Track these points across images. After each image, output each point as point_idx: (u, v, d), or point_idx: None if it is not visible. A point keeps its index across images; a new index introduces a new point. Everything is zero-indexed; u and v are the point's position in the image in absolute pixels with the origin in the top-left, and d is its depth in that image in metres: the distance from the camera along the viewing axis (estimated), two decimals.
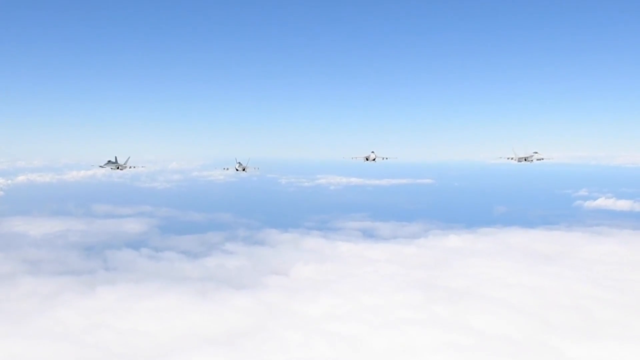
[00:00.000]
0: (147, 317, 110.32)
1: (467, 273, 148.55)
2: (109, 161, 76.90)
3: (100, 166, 77.74)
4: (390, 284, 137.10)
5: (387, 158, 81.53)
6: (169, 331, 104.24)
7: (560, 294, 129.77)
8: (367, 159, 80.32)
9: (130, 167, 78.79)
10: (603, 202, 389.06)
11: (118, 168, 77.30)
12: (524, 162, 79.38)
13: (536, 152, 79.52)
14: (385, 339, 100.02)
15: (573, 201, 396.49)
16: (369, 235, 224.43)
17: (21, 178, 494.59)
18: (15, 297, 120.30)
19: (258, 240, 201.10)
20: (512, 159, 79.76)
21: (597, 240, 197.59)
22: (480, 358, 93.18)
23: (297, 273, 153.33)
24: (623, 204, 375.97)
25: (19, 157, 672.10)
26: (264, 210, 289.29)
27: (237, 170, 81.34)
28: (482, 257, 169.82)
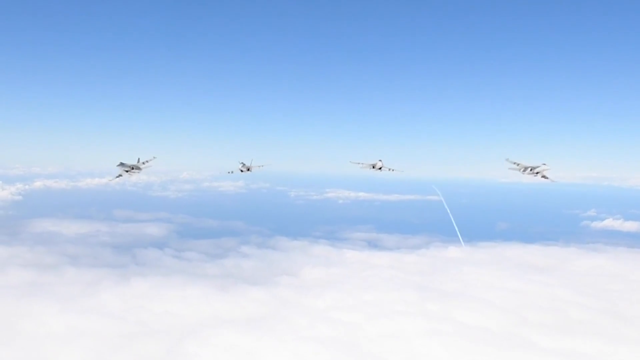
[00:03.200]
0: (176, 302, 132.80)
1: (460, 278, 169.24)
2: (122, 163, 74.24)
3: (120, 174, 74.06)
4: (389, 284, 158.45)
5: (393, 170, 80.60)
6: (196, 314, 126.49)
7: (542, 297, 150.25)
8: (373, 167, 78.99)
9: (144, 163, 74.89)
10: (610, 223, 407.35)
11: (132, 169, 74.54)
12: (529, 173, 74.44)
13: (544, 164, 74.96)
14: (379, 326, 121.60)
15: (580, 221, 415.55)
16: (373, 245, 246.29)
17: (37, 184, 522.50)
18: (62, 283, 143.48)
19: (270, 246, 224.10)
20: (516, 164, 75.41)
21: (589, 256, 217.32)
22: (459, 343, 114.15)
23: (306, 274, 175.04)
24: (630, 225, 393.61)
25: (34, 163, 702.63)
26: (274, 220, 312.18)
27: (241, 171, 79.75)
28: (477, 266, 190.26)
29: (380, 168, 78.35)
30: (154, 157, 71.67)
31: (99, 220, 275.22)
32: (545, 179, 74.79)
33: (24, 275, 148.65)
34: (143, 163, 71.38)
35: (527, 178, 74.93)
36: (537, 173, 73.07)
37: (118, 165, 68.59)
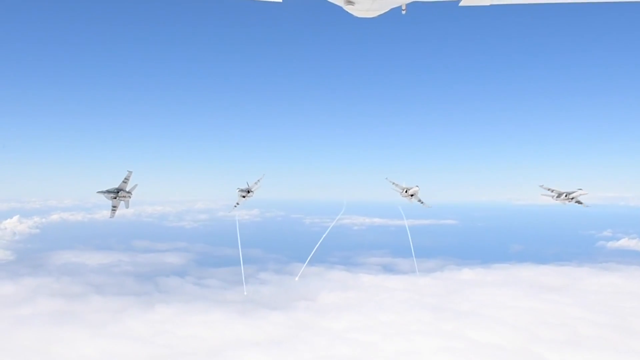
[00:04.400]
0: (200, 327, 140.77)
1: (473, 299, 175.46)
2: (102, 191, 64.38)
3: (114, 205, 65.21)
4: (404, 306, 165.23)
5: (422, 203, 77.09)
6: (220, 337, 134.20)
7: (552, 314, 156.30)
8: (406, 191, 75.55)
9: (125, 182, 77.91)
10: (626, 243, 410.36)
11: (118, 193, 64.83)
12: (563, 199, 72.74)
13: (581, 189, 73.78)
14: (395, 344, 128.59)
15: (596, 242, 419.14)
16: (388, 269, 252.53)
17: (55, 217, 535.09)
18: (90, 310, 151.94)
19: (287, 272, 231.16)
20: (550, 190, 73.70)
21: (601, 274, 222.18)
22: (471, 359, 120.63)
23: (323, 299, 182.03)
24: None
25: (50, 196, 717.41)
26: (290, 247, 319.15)
27: (243, 197, 75.10)
28: (490, 287, 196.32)
29: (412, 195, 74.78)
30: (130, 171, 63.18)
31: (119, 251, 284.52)
32: (579, 204, 73.43)
33: (53, 304, 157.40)
34: (124, 182, 64.38)
35: (555, 202, 72.11)
36: (572, 199, 71.80)
37: (98, 192, 61.80)
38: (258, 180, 72.36)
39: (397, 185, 71.86)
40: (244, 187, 71.31)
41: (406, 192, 71.71)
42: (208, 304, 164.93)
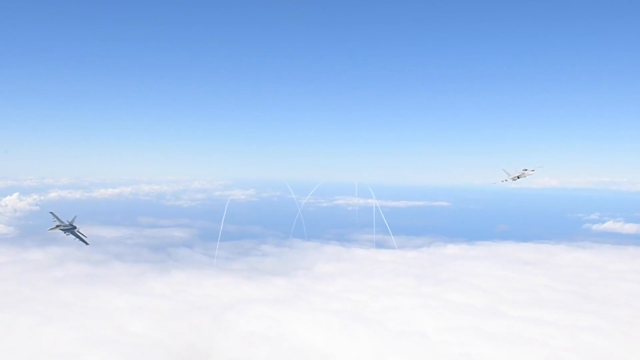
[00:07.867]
0: (213, 288, 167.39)
1: (454, 269, 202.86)
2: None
3: None
4: (392, 274, 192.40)
5: (534, 170, 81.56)
6: (232, 296, 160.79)
7: (521, 282, 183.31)
8: (518, 177, 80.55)
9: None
10: (611, 226, 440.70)
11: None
12: None
13: None
14: (381, 302, 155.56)
15: (582, 224, 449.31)
16: (380, 245, 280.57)
17: (53, 194, 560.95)
18: (114, 274, 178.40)
19: (286, 246, 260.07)
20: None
21: (574, 251, 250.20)
22: (445, 313, 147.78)
23: (319, 268, 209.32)
24: (630, 227, 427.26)
25: (46, 174, 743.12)
26: (287, 224, 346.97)
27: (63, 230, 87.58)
28: (471, 260, 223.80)
29: (525, 177, 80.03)
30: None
31: (126, 226, 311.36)
32: None
33: (81, 268, 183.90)
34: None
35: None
36: None
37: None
38: (74, 217, 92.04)
39: (507, 179, 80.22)
40: (66, 222, 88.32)
41: (518, 178, 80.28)
42: (218, 271, 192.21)
